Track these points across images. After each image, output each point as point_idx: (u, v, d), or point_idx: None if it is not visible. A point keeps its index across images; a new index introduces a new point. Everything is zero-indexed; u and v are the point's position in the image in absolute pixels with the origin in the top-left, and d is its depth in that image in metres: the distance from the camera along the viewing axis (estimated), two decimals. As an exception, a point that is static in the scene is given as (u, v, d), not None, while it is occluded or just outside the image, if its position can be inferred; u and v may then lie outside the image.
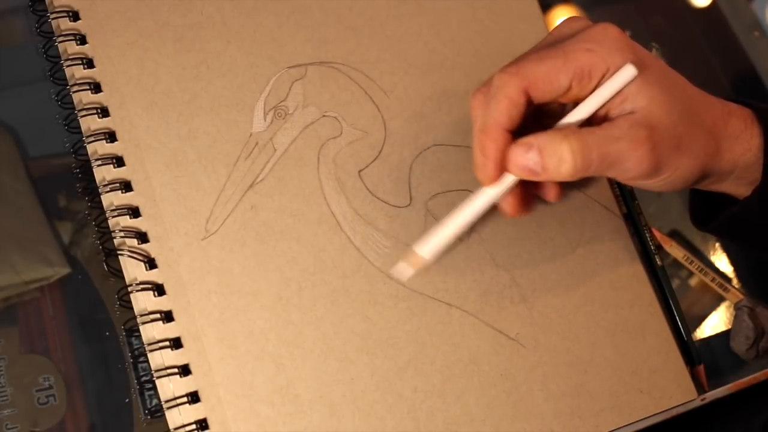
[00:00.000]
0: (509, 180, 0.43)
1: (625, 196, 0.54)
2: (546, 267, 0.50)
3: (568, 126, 0.43)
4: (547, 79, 0.42)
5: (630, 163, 0.42)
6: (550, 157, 0.42)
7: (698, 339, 0.56)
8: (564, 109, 0.45)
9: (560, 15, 0.67)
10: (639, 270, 0.52)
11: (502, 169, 0.43)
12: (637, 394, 0.49)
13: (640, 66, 0.42)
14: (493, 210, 0.50)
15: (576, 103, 0.44)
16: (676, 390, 0.50)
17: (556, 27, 0.46)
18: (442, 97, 0.52)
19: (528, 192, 0.46)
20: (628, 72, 0.42)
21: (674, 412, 0.50)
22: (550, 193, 0.47)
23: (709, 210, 0.51)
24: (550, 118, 0.45)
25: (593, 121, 0.43)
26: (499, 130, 0.43)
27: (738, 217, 0.49)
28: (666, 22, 0.66)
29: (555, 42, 0.44)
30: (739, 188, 0.48)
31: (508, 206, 0.46)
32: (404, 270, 0.45)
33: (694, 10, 0.69)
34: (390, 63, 0.52)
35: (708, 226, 0.51)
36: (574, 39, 0.43)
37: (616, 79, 0.42)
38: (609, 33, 0.43)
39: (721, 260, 0.60)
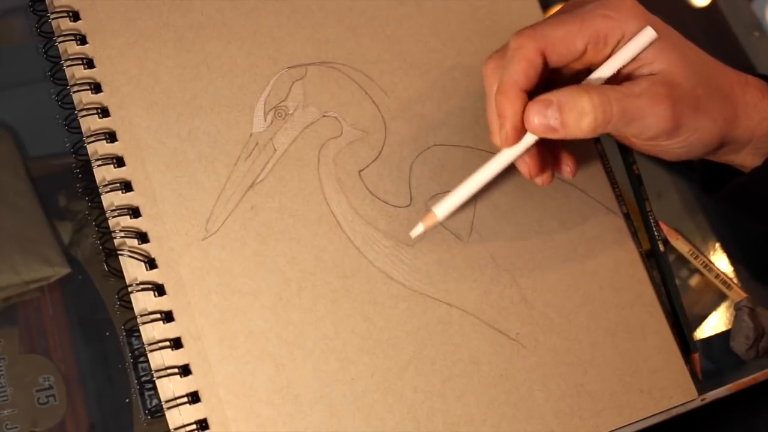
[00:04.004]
0: (526, 141, 0.44)
1: (632, 179, 0.54)
2: (546, 267, 0.50)
3: (588, 82, 0.44)
4: (564, 41, 0.43)
5: (650, 119, 0.43)
6: (571, 111, 0.42)
7: (698, 339, 0.56)
8: (576, 80, 0.46)
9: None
10: (639, 270, 0.52)
11: (519, 130, 0.43)
12: (637, 394, 0.49)
13: (657, 33, 0.43)
14: (493, 210, 0.50)
15: (589, 69, 0.45)
16: (676, 390, 0.50)
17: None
18: (442, 97, 0.52)
19: (545, 162, 0.47)
20: (648, 34, 0.43)
21: (674, 412, 0.50)
22: (566, 168, 0.48)
23: (719, 180, 0.52)
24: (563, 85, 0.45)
25: (615, 83, 0.44)
26: (516, 91, 0.43)
27: (747, 187, 0.49)
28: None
29: (571, 9, 0.45)
30: (755, 159, 0.49)
31: (526, 167, 0.46)
32: (417, 228, 0.46)
33: (694, 10, 0.69)
34: (390, 63, 0.52)
35: (717, 193, 0.52)
36: (591, 6, 0.44)
37: (637, 41, 0.43)
38: (625, 1, 0.44)
39: (721, 260, 0.60)
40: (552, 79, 0.45)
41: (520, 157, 0.45)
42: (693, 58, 0.45)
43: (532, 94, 0.44)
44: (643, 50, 0.43)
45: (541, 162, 0.46)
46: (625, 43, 0.43)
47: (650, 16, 0.44)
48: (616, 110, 0.42)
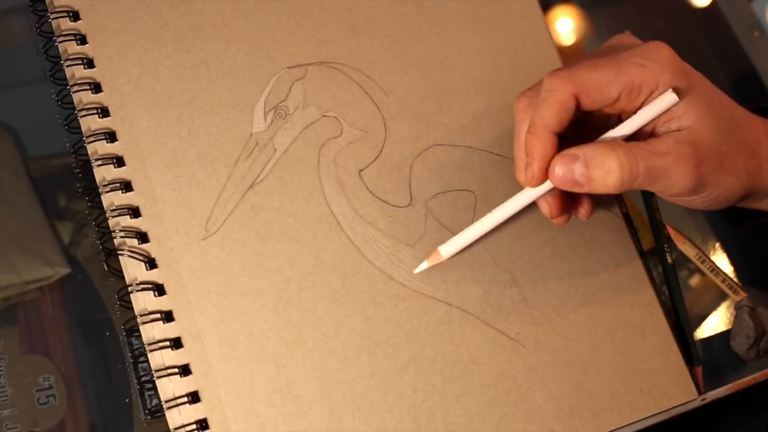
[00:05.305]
0: (547, 185, 0.44)
1: (645, 192, 0.53)
2: (546, 267, 0.50)
3: (613, 139, 0.44)
4: (599, 87, 0.43)
5: (674, 178, 0.43)
6: (597, 168, 0.42)
7: (698, 339, 0.56)
8: (607, 122, 0.46)
9: (560, 15, 0.67)
10: (639, 270, 0.52)
11: (546, 171, 0.44)
12: (637, 394, 0.49)
13: (688, 86, 0.43)
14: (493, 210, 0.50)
15: (619, 116, 0.45)
16: (676, 390, 0.50)
17: (607, 41, 0.47)
18: (442, 97, 0.52)
19: (566, 203, 0.47)
20: (669, 98, 0.43)
21: (674, 412, 0.50)
22: (583, 211, 0.48)
23: (743, 210, 0.52)
24: (591, 130, 0.45)
25: (639, 137, 0.44)
26: (547, 132, 0.43)
27: None
28: (666, 22, 0.66)
29: (607, 53, 0.45)
30: None
31: (548, 207, 0.46)
32: (422, 266, 0.47)
33: (694, 10, 0.69)
34: (390, 63, 0.52)
35: (742, 225, 0.52)
36: (628, 53, 0.44)
37: (658, 102, 0.43)
38: (662, 51, 0.44)
39: (721, 260, 0.60)
40: (582, 120, 0.46)
41: (542, 197, 0.46)
42: (721, 112, 0.45)
43: (562, 134, 0.44)
44: (664, 112, 0.43)
45: (563, 203, 0.46)
46: (658, 94, 0.43)
47: (685, 66, 0.44)
48: (642, 168, 0.42)
